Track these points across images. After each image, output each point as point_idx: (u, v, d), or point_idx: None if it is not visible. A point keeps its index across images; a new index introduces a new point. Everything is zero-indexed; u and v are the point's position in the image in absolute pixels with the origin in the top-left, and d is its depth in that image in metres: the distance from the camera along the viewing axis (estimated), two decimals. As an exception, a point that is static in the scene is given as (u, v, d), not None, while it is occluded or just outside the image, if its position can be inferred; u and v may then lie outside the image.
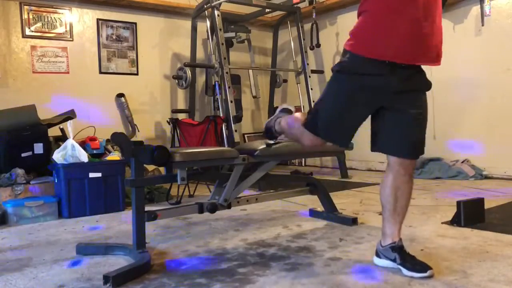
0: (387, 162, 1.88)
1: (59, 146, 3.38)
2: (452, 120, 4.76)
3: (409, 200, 1.89)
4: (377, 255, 1.94)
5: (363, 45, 1.77)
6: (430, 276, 1.74)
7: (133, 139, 4.40)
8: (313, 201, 3.06)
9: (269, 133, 2.28)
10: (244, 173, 2.45)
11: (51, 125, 3.75)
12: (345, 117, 1.82)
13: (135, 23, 5.28)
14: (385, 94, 1.77)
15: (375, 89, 1.77)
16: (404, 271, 1.79)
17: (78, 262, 2.12)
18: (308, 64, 5.23)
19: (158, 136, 5.41)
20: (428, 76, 1.86)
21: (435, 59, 1.78)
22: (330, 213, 2.81)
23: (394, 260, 1.84)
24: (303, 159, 6.05)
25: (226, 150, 2.44)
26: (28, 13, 4.60)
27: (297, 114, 2.05)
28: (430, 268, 1.76)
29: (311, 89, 5.21)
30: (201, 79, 5.70)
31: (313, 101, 5.16)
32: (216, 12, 4.53)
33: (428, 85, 1.84)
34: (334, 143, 1.95)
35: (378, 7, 1.74)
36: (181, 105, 5.59)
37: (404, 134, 1.80)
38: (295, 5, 5.23)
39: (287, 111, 2.26)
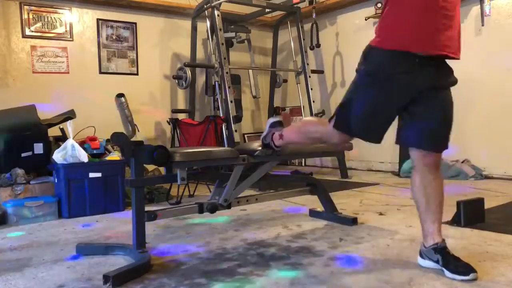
0: (412, 161, 1.88)
1: (59, 146, 3.38)
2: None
3: (442, 195, 1.87)
4: (421, 255, 1.90)
5: (392, 39, 1.78)
6: (474, 279, 1.69)
7: (133, 139, 4.39)
8: (313, 201, 3.06)
9: (269, 148, 2.37)
10: (244, 173, 2.45)
11: (51, 125, 3.75)
12: (379, 116, 1.83)
13: (135, 23, 5.29)
14: (414, 91, 1.79)
15: (406, 86, 1.78)
16: (447, 273, 1.75)
17: (78, 262, 2.12)
18: (308, 64, 5.23)
19: (158, 136, 5.41)
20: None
21: (457, 51, 1.81)
22: (330, 213, 2.81)
23: (437, 262, 1.80)
24: (303, 159, 6.05)
25: (226, 150, 2.44)
26: (28, 13, 4.61)
27: (311, 119, 2.07)
28: (474, 271, 1.71)
29: (311, 89, 5.21)
30: (201, 79, 5.70)
31: (313, 101, 5.16)
32: (216, 12, 4.53)
33: (454, 81, 1.85)
34: (369, 141, 1.92)
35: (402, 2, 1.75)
36: (181, 105, 5.59)
37: (428, 127, 1.80)
38: (295, 5, 5.23)
39: (278, 124, 2.31)
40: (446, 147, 1.84)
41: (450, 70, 1.85)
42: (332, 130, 1.91)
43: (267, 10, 5.48)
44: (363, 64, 1.86)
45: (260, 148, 2.40)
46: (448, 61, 1.84)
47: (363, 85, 1.85)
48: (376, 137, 1.87)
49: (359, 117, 1.83)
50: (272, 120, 2.36)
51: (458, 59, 1.81)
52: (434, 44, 1.74)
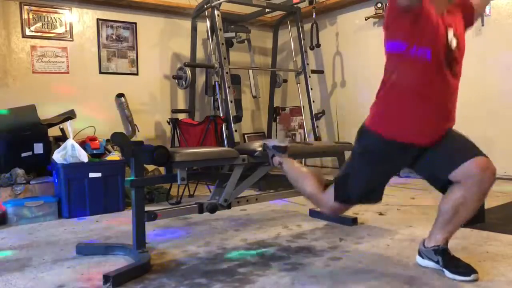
0: (456, 181, 1.75)
1: (59, 146, 3.38)
2: (452, 120, 4.76)
3: (470, 216, 1.77)
4: (420, 255, 1.90)
5: (393, 130, 1.77)
6: (474, 280, 1.69)
7: (133, 139, 4.39)
8: (313, 201, 3.06)
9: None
10: (244, 173, 2.45)
11: (51, 125, 3.75)
12: (378, 182, 1.86)
13: (135, 23, 5.28)
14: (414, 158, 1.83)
15: (404, 160, 1.84)
16: (447, 273, 1.75)
17: (78, 262, 2.12)
18: (308, 64, 5.22)
19: (158, 136, 5.41)
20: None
21: (453, 121, 1.84)
22: (330, 213, 2.81)
23: (437, 262, 1.80)
24: (303, 159, 6.05)
25: (226, 150, 2.44)
26: (28, 13, 4.60)
27: (312, 179, 2.07)
28: (475, 272, 1.71)
29: (311, 89, 5.21)
30: (201, 79, 5.70)
31: (313, 101, 5.16)
32: (216, 12, 4.53)
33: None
34: (370, 203, 1.97)
35: (405, 88, 1.73)
36: (181, 105, 5.59)
37: (454, 147, 1.78)
38: (295, 5, 5.22)
39: (282, 150, 2.30)
40: (481, 152, 1.77)
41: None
42: (329, 201, 1.92)
43: (267, 10, 5.48)
44: (357, 143, 1.87)
45: (260, 148, 2.40)
46: None
47: (360, 162, 1.86)
48: (378, 198, 1.89)
49: (359, 186, 1.85)
50: (277, 143, 2.32)
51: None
52: (437, 133, 1.78)
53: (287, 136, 6.10)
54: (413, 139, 1.76)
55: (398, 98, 1.75)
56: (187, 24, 5.44)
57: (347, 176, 1.87)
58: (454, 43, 1.72)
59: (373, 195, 1.87)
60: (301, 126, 5.88)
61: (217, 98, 4.79)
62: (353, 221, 2.69)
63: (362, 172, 1.84)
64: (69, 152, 3.22)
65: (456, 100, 1.81)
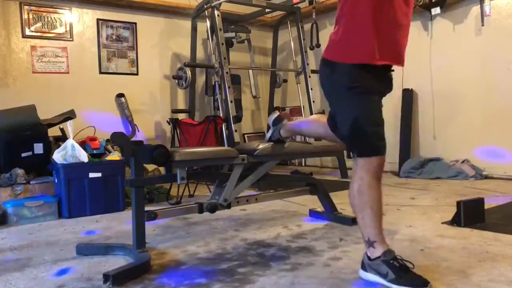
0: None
1: (59, 146, 3.38)
2: (452, 120, 4.76)
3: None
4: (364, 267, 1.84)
5: (354, 54, 1.75)
6: None
7: (133, 139, 4.39)
8: (313, 201, 3.06)
9: (277, 141, 2.45)
10: (244, 173, 2.45)
11: (51, 125, 3.75)
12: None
13: (135, 23, 5.28)
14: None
15: (377, 90, 1.80)
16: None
17: (78, 262, 2.12)
18: (308, 64, 5.23)
19: (158, 136, 5.41)
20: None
21: (403, 59, 1.83)
22: (330, 213, 2.82)
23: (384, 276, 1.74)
24: (303, 159, 6.05)
25: (226, 150, 2.44)
26: (28, 13, 4.61)
27: (316, 121, 2.13)
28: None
29: (311, 89, 5.21)
30: (201, 79, 5.70)
31: (313, 101, 5.16)
32: (216, 12, 4.53)
33: (391, 90, 1.89)
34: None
35: (359, 10, 1.72)
36: (181, 105, 5.59)
37: None
38: (295, 5, 5.23)
39: (279, 120, 2.41)
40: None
41: (391, 79, 1.87)
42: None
43: (267, 10, 5.48)
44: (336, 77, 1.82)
45: (260, 148, 2.40)
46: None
47: (354, 98, 1.79)
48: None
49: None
50: (273, 117, 2.44)
51: (403, 66, 1.84)
52: (396, 57, 1.78)
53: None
54: (371, 59, 1.73)
55: (353, 26, 1.75)
56: (187, 24, 5.44)
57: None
58: None
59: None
60: (301, 126, 5.87)
61: (217, 98, 4.79)
62: (353, 221, 2.67)
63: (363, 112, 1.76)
64: (69, 152, 3.22)
65: (407, 37, 1.81)
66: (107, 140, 3.71)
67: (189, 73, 4.94)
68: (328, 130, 2.02)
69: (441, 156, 4.73)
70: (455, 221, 2.56)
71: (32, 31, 4.62)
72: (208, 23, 5.00)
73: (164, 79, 5.51)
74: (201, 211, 2.33)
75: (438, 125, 4.86)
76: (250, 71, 5.70)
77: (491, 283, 1.69)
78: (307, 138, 3.49)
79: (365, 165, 1.74)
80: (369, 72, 1.74)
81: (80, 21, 4.94)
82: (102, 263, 2.08)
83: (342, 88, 1.77)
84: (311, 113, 5.14)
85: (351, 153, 1.85)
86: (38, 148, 3.49)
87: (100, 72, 5.06)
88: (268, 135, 2.49)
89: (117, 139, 2.20)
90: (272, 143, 2.46)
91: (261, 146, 2.43)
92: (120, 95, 5.07)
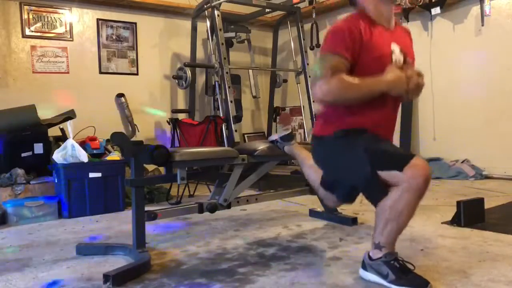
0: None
1: (59, 146, 3.38)
2: (452, 120, 4.76)
3: None
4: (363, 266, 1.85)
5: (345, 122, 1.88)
6: None
7: (133, 139, 4.40)
8: (313, 201, 3.06)
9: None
10: (244, 173, 2.45)
11: (51, 125, 3.76)
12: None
13: (135, 23, 5.28)
14: None
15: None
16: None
17: (78, 262, 2.12)
18: (308, 64, 5.22)
19: (158, 136, 5.41)
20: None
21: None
22: (330, 213, 2.81)
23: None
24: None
25: (226, 150, 2.44)
26: (28, 13, 4.61)
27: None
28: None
29: (311, 89, 5.21)
30: (201, 79, 5.70)
31: (313, 101, 5.16)
32: (216, 12, 4.53)
33: None
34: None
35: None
36: (181, 105, 5.59)
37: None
38: (295, 5, 5.23)
39: (288, 138, 2.42)
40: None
41: None
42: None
43: (267, 10, 5.48)
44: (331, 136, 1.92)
45: (260, 148, 2.40)
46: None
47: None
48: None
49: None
50: (282, 134, 2.45)
51: None
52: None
53: (286, 128, 6.13)
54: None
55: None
56: (187, 24, 5.44)
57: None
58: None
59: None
60: (301, 126, 5.89)
61: (217, 98, 4.79)
62: (353, 221, 2.68)
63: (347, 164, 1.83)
64: (69, 152, 3.22)
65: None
66: (107, 140, 3.72)
67: (189, 73, 4.94)
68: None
69: (441, 156, 4.73)
70: (455, 221, 2.56)
71: (32, 31, 4.62)
72: (208, 23, 5.00)
73: (164, 79, 5.51)
74: (201, 211, 2.33)
75: (438, 125, 4.86)
76: (250, 71, 5.70)
77: (491, 283, 1.69)
78: (307, 138, 3.51)
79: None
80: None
81: (80, 21, 4.94)
82: (102, 263, 2.08)
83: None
84: (311, 113, 5.14)
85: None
86: (38, 148, 3.49)
87: (100, 72, 5.06)
88: (271, 138, 2.52)
89: (117, 139, 2.20)
90: (272, 144, 2.47)
91: (261, 147, 2.43)
92: (120, 95, 5.07)
